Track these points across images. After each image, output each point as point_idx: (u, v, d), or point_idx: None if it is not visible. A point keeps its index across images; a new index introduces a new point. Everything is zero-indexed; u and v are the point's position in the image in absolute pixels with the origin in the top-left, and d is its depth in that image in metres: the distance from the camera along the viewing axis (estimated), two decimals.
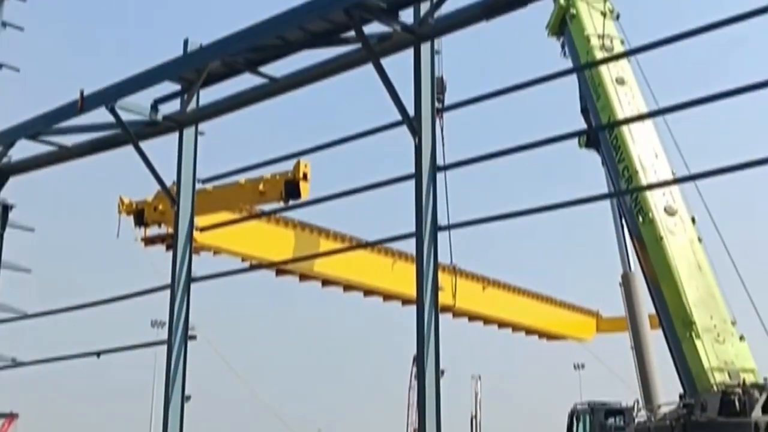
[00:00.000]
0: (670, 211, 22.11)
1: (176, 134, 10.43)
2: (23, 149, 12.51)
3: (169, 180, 12.00)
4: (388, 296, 29.28)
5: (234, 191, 21.10)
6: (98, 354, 11.53)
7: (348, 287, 28.41)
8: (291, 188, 21.06)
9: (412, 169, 8.54)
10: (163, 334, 9.72)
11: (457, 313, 30.47)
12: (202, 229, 19.94)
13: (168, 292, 9.65)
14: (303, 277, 27.19)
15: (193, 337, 9.64)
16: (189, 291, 9.68)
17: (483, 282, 31.85)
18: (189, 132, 10.37)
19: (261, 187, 21.30)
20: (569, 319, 35.64)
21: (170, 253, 10.05)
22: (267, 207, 23.31)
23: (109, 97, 10.16)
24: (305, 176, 21.05)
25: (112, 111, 10.02)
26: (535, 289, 34.71)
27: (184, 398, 9.39)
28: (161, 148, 10.70)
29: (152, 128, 10.33)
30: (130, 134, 9.97)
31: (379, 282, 28.02)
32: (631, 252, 24.30)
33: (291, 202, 22.32)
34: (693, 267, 21.60)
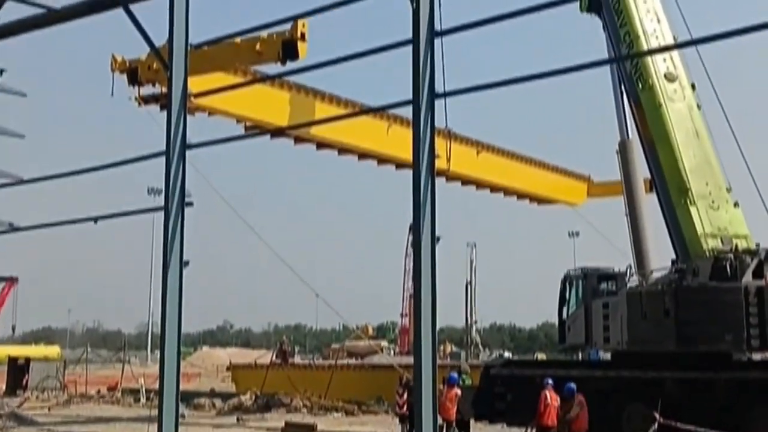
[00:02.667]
0: (670, 78, 21.86)
1: None
2: (10, 12, 12.17)
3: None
4: (382, 160, 29.32)
5: (230, 51, 20.72)
6: (95, 219, 11.57)
7: (343, 150, 28.40)
8: (289, 48, 20.70)
9: (410, 35, 8.34)
10: (160, 200, 9.71)
11: (450, 177, 30.65)
12: (197, 95, 19.74)
13: (163, 158, 9.59)
14: (298, 140, 27.13)
15: (190, 204, 9.62)
16: (185, 157, 9.58)
17: (477, 146, 31.88)
18: None
19: (258, 46, 20.94)
20: (560, 183, 35.87)
21: (165, 113, 9.94)
22: (263, 68, 23.01)
23: None
24: (303, 36, 20.66)
25: None
26: (529, 154, 34.84)
27: (183, 264, 9.45)
28: (157, 11, 10.39)
29: None
30: None
31: (374, 146, 28.00)
32: (629, 120, 24.15)
33: (287, 68, 22.01)
34: (691, 134, 21.54)
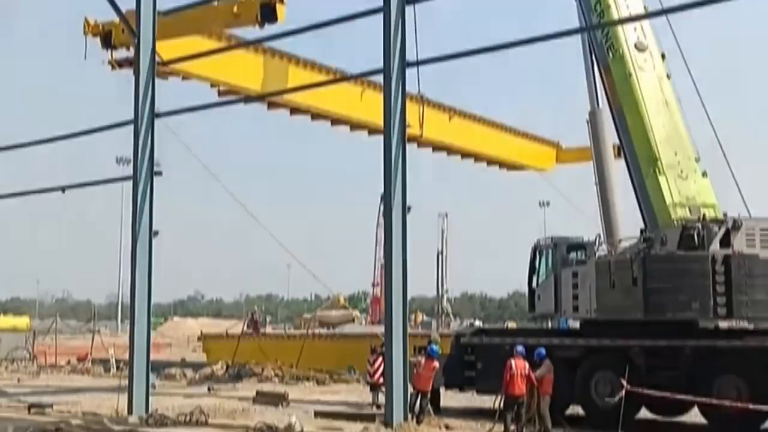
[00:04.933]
0: (640, 47, 21.92)
1: None
2: None
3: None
4: (355, 126, 29.19)
5: (207, 12, 20.44)
6: (63, 189, 11.45)
7: (316, 116, 28.22)
8: (267, 10, 20.46)
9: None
10: (129, 170, 9.63)
11: (422, 143, 30.62)
12: (169, 62, 19.50)
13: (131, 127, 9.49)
14: (271, 105, 26.90)
15: (159, 173, 9.55)
16: (153, 126, 9.52)
17: (450, 112, 31.84)
18: None
19: (235, 9, 20.69)
20: (530, 149, 35.97)
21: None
22: (238, 31, 22.76)
23: None
24: None
25: None
26: (500, 121, 34.89)
27: (152, 233, 9.40)
28: None
29: None
30: None
31: (348, 111, 27.82)
32: (599, 89, 24.19)
33: (259, 35, 21.77)
34: (660, 104, 21.64)
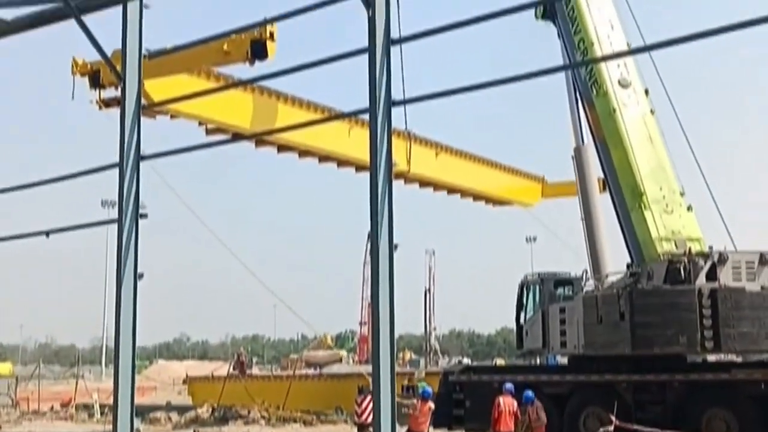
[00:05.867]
0: (624, 83, 22.14)
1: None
2: None
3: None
4: (342, 162, 29.17)
5: (196, 51, 20.48)
6: (47, 233, 11.34)
7: (304, 153, 28.17)
8: (257, 47, 20.52)
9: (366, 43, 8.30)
10: (114, 213, 9.55)
11: (409, 179, 30.69)
12: (151, 105, 19.44)
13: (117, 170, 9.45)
14: (259, 142, 26.85)
15: (144, 216, 9.48)
16: (138, 169, 9.44)
17: (436, 148, 31.98)
18: (133, 5, 9.92)
19: (225, 46, 20.73)
20: (515, 184, 36.13)
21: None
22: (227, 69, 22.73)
23: None
24: (272, 35, 20.52)
25: None
26: (486, 156, 35.08)
27: (137, 276, 9.30)
28: (116, 15, 10.20)
29: (94, 1, 9.86)
30: (71, 7, 9.51)
31: (335, 147, 27.74)
32: (584, 125, 24.38)
33: (246, 76, 21.80)
34: (645, 139, 21.83)
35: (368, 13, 8.20)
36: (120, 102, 9.59)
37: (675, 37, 7.65)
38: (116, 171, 9.41)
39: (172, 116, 24.29)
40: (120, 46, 9.93)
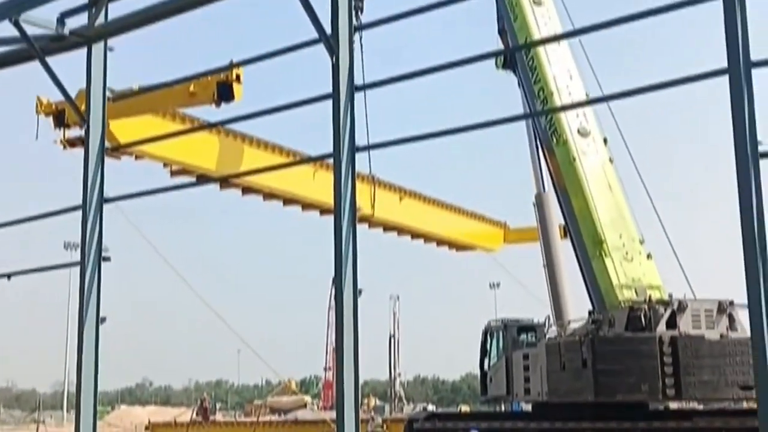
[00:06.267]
0: (583, 132, 22.51)
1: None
2: None
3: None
4: (307, 206, 29.20)
5: (162, 92, 20.47)
6: (8, 276, 11.25)
7: (268, 195, 28.15)
8: (224, 89, 20.57)
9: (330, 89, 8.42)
10: (77, 255, 9.51)
11: (373, 224, 30.78)
12: (115, 148, 19.39)
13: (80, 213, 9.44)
14: (224, 184, 26.79)
15: (107, 259, 9.46)
16: (102, 211, 9.44)
17: (400, 192, 32.18)
18: (98, 47, 9.99)
19: (192, 88, 20.75)
20: (478, 230, 36.42)
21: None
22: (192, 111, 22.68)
23: (12, 9, 9.71)
24: (238, 78, 20.59)
25: (16, 24, 9.58)
26: (449, 201, 35.36)
27: (99, 320, 9.26)
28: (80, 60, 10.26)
29: (59, 43, 9.91)
30: (35, 49, 9.56)
31: (300, 190, 27.76)
32: (545, 173, 24.69)
33: (211, 119, 21.78)
34: (604, 187, 22.14)
35: (332, 60, 8.35)
36: (84, 142, 9.62)
37: (631, 89, 7.89)
38: (80, 213, 9.41)
39: (136, 157, 24.24)
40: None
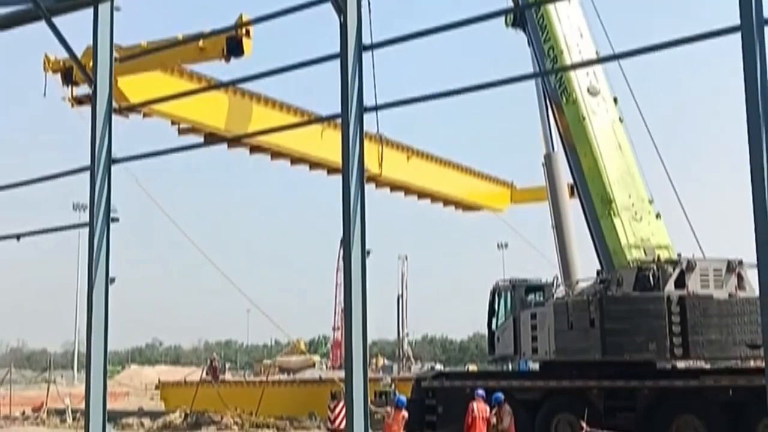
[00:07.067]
0: (593, 92, 22.35)
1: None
2: None
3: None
4: (314, 165, 29.10)
5: (171, 48, 20.29)
6: (18, 237, 11.28)
7: (276, 155, 28.04)
8: (233, 44, 20.40)
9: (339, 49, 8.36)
10: (86, 216, 9.53)
11: (380, 183, 30.71)
12: (123, 109, 19.31)
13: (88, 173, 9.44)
14: (231, 143, 26.68)
15: (116, 219, 9.47)
16: (110, 172, 9.42)
17: (408, 152, 32.07)
18: (105, 7, 9.91)
19: (201, 43, 20.58)
20: (485, 189, 36.33)
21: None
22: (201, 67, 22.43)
23: None
24: (248, 32, 20.41)
25: None
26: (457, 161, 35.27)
27: (109, 281, 9.29)
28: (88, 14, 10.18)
29: (65, 3, 9.84)
30: (42, 9, 9.49)
31: (308, 149, 27.61)
32: (554, 133, 24.55)
33: (218, 81, 21.68)
34: (613, 146, 22.04)
35: (340, 20, 8.28)
36: (91, 101, 9.56)
37: (643, 46, 7.79)
38: (87, 174, 9.40)
39: (144, 115, 24.17)
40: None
